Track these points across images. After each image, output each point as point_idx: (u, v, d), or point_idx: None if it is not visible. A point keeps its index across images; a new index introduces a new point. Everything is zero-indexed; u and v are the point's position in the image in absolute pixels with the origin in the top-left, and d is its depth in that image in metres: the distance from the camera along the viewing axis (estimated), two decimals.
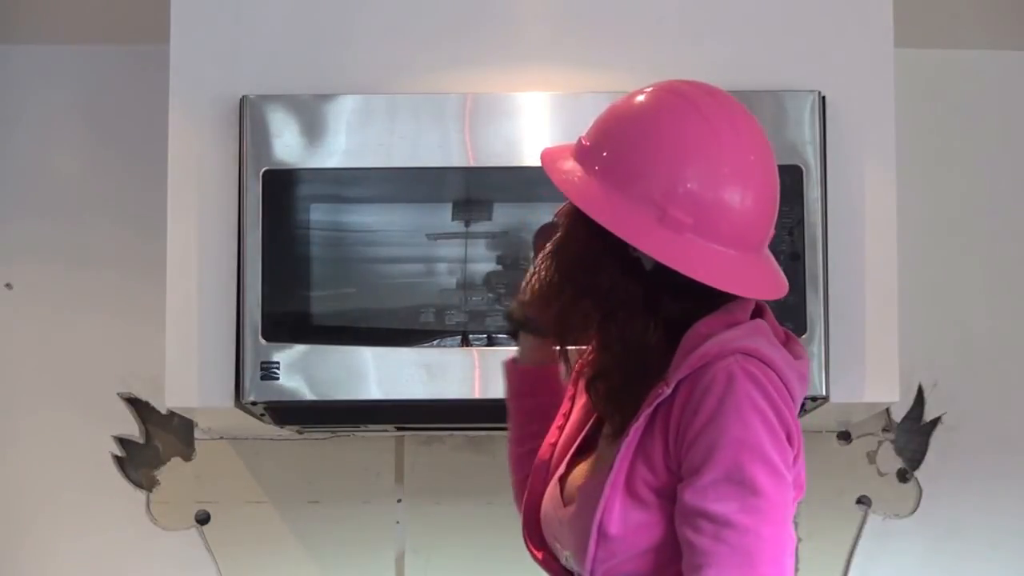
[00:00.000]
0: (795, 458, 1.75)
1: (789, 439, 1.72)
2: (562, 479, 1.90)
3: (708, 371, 1.70)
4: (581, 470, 1.87)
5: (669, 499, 1.72)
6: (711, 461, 1.68)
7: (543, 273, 1.83)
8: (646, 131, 1.75)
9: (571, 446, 1.94)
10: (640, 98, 1.80)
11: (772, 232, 1.80)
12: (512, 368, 2.05)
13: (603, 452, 1.84)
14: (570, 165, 1.79)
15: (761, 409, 1.69)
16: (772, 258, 1.82)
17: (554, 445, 1.95)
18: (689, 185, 1.72)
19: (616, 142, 1.76)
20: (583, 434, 1.93)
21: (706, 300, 1.75)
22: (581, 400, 1.95)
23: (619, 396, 1.79)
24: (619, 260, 1.75)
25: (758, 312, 1.79)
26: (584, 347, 1.91)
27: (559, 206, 1.85)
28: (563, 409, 1.98)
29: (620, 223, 1.72)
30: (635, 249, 1.73)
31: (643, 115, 1.77)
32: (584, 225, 1.76)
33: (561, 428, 1.96)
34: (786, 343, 1.83)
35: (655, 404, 1.73)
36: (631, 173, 1.73)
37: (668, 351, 1.75)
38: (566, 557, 1.86)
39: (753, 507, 1.67)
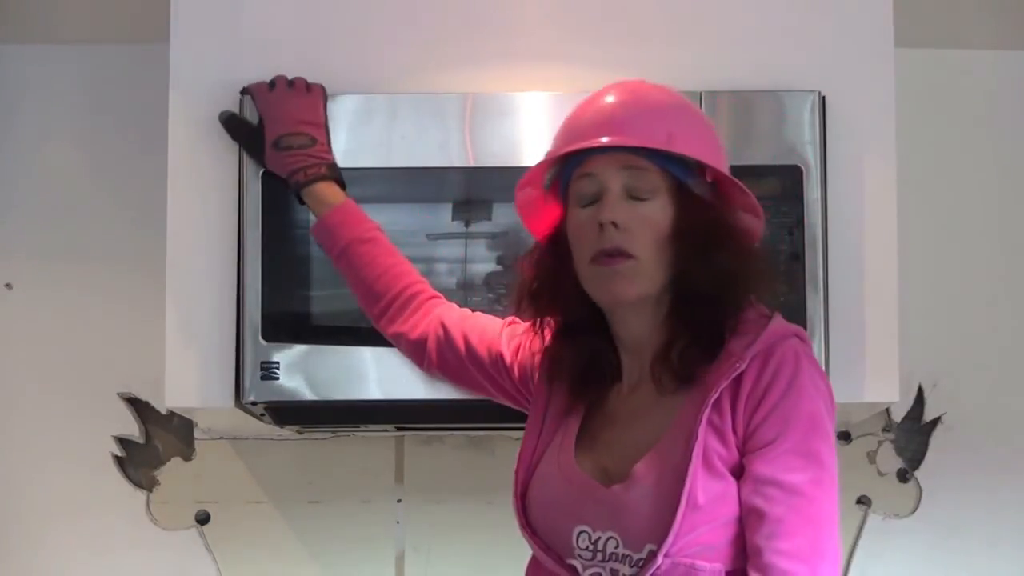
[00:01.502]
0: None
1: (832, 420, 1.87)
2: (582, 461, 1.91)
3: (776, 349, 1.83)
4: (615, 457, 1.89)
5: (734, 472, 1.82)
6: (784, 434, 1.79)
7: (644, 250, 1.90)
8: (695, 115, 1.97)
9: (554, 435, 1.96)
10: (657, 91, 1.97)
11: None
12: (317, 230, 2.25)
13: (650, 427, 1.88)
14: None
15: (821, 389, 1.84)
16: None
17: (537, 435, 1.99)
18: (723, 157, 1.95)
19: (694, 122, 1.94)
20: (578, 422, 1.94)
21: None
22: (558, 396, 1.99)
23: (690, 365, 1.87)
24: (737, 236, 1.92)
25: None
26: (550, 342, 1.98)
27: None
28: (539, 403, 2.01)
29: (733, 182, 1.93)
30: (743, 221, 1.93)
31: (681, 102, 1.97)
32: (708, 203, 1.91)
33: (542, 418, 1.99)
34: None
35: (731, 377, 1.82)
36: (714, 152, 1.93)
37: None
38: (598, 540, 1.86)
39: (819, 479, 1.80)
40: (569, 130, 1.95)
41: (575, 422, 1.95)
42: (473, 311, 2.23)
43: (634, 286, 1.88)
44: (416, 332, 2.21)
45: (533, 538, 1.94)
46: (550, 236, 2.00)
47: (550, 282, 1.97)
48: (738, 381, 1.82)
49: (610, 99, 1.94)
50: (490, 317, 2.19)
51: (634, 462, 1.85)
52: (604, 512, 1.86)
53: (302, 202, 2.28)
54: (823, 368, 1.89)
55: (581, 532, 1.88)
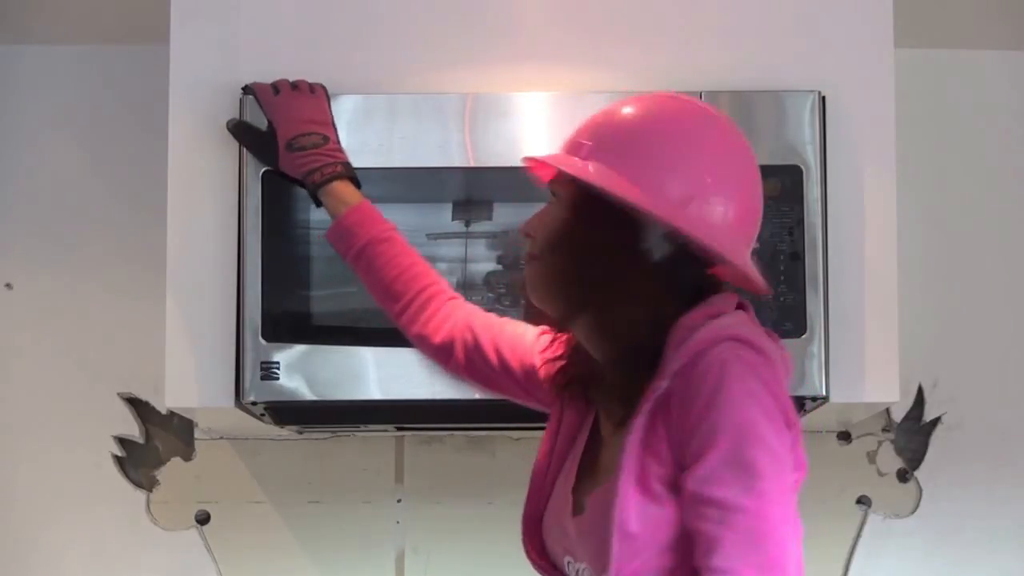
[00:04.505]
0: (794, 441, 1.76)
1: (787, 422, 1.73)
2: (575, 491, 1.90)
3: (702, 360, 1.72)
4: (590, 481, 1.88)
5: (679, 492, 1.73)
6: (711, 448, 1.68)
7: (539, 262, 1.84)
8: (661, 128, 1.79)
9: (565, 455, 1.94)
10: (641, 101, 1.83)
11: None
12: (332, 233, 2.19)
13: (608, 457, 1.84)
14: (576, 161, 1.80)
15: (756, 394, 1.70)
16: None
17: (550, 452, 1.95)
18: (707, 180, 1.77)
19: (629, 140, 1.79)
20: (581, 446, 1.93)
21: (701, 296, 1.78)
22: (570, 411, 1.95)
23: (622, 391, 1.80)
24: (628, 252, 1.78)
25: (739, 308, 1.83)
26: (558, 354, 1.94)
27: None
28: (554, 414, 1.98)
29: (654, 204, 1.74)
30: (645, 243, 1.76)
31: (655, 115, 1.81)
32: (596, 222, 1.78)
33: (555, 434, 1.96)
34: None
35: (653, 399, 1.74)
36: (652, 168, 1.77)
37: (659, 347, 1.78)
38: (579, 570, 1.85)
39: (755, 490, 1.67)
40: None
41: (582, 441, 1.94)
42: (499, 316, 2.20)
43: (535, 290, 1.85)
44: (440, 336, 2.17)
45: (539, 561, 1.94)
46: None
47: None
48: (668, 399, 1.74)
49: (599, 110, 1.88)
50: (518, 323, 2.12)
51: (594, 491, 1.83)
52: (575, 543, 1.85)
53: (318, 203, 2.27)
54: (774, 369, 1.74)
55: (568, 561, 1.88)
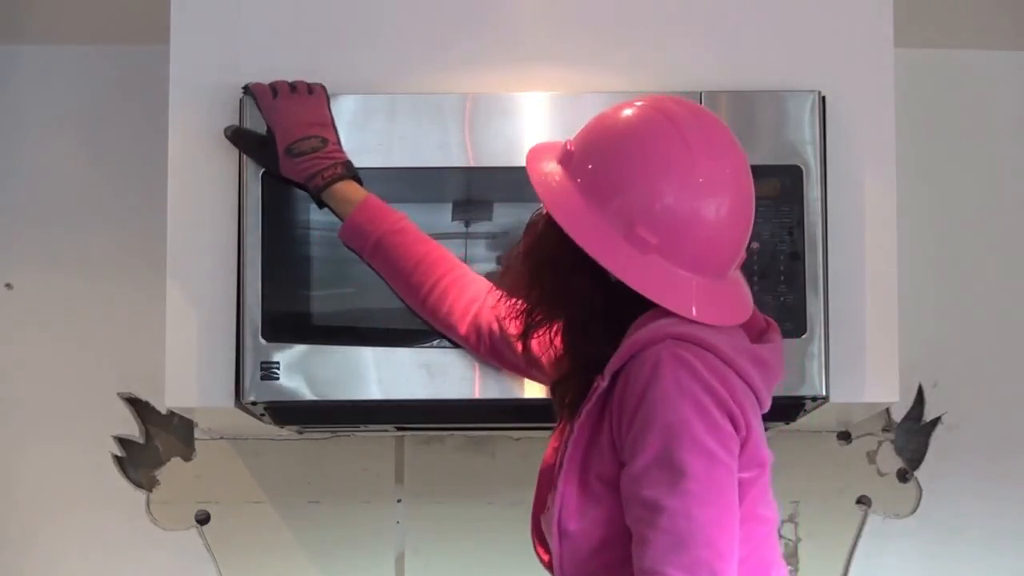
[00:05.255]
0: (746, 437, 1.74)
1: (732, 420, 1.72)
2: None
3: (639, 358, 1.73)
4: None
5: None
6: (642, 447, 1.69)
7: (514, 268, 1.87)
8: (628, 149, 1.78)
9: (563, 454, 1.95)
10: (628, 112, 1.82)
11: (743, 256, 1.82)
12: (344, 233, 2.22)
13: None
14: (552, 168, 1.81)
15: (690, 391, 1.70)
16: (740, 280, 1.84)
17: (557, 449, 1.96)
18: (658, 206, 1.75)
19: (599, 155, 1.79)
20: (584, 446, 1.93)
21: (665, 315, 1.77)
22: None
23: (572, 400, 1.82)
24: (589, 270, 1.78)
25: None
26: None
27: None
28: (559, 429, 1.99)
29: (587, 236, 1.74)
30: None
31: (628, 132, 1.79)
32: (559, 231, 1.78)
33: (563, 431, 1.97)
34: (765, 331, 1.86)
35: (594, 398, 1.74)
36: (609, 188, 1.76)
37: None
38: None
39: (683, 490, 1.67)
40: None
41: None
42: None
43: (511, 293, 1.90)
44: (465, 325, 2.18)
45: (550, 560, 1.94)
46: None
47: None
48: (608, 398, 1.75)
49: (596, 116, 1.89)
50: None
51: None
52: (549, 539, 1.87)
53: (322, 206, 2.27)
54: (721, 364, 1.74)
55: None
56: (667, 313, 1.76)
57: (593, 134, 1.82)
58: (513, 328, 1.99)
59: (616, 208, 1.75)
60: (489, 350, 2.18)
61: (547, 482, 1.95)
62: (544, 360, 2.06)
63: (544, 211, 1.84)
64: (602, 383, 1.74)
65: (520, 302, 1.88)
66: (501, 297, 1.96)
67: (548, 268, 1.81)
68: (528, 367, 2.12)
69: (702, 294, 1.77)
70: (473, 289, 2.19)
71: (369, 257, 2.22)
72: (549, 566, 1.92)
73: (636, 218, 1.74)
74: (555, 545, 1.75)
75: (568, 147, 1.83)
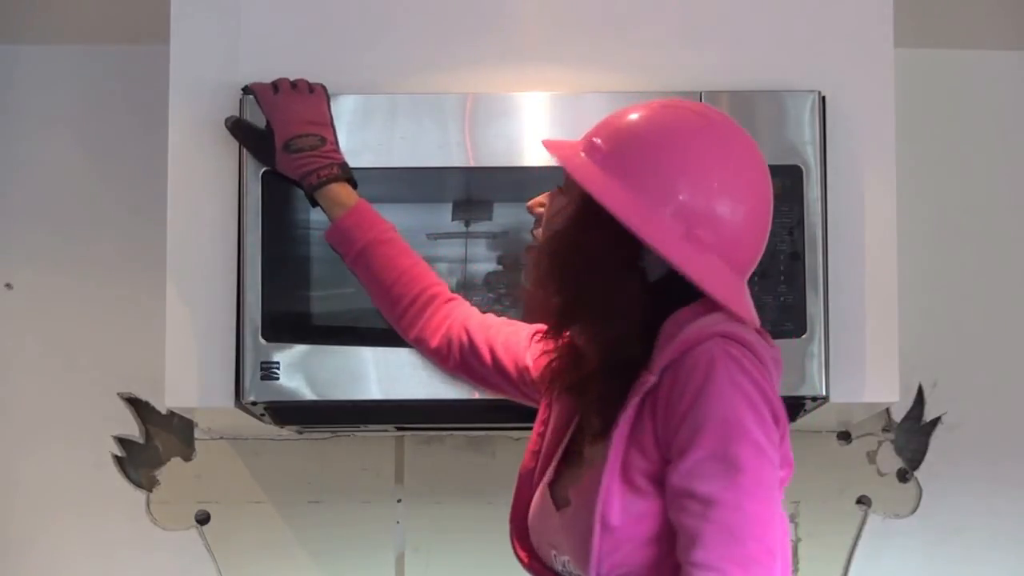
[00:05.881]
0: (781, 437, 1.77)
1: (775, 418, 1.75)
2: (551, 486, 1.91)
3: (690, 355, 1.73)
4: (572, 474, 1.88)
5: (664, 486, 1.74)
6: (696, 442, 1.70)
7: (538, 264, 1.85)
8: (677, 149, 1.78)
9: (554, 453, 1.94)
10: (666, 113, 1.82)
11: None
12: (332, 235, 2.22)
13: (592, 451, 1.84)
14: (589, 168, 1.79)
15: (743, 388, 1.72)
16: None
17: (537, 453, 1.96)
18: (718, 209, 1.76)
19: (647, 157, 1.78)
20: (566, 440, 1.93)
21: (703, 313, 1.78)
22: (559, 406, 1.96)
23: (604, 398, 1.81)
24: (626, 268, 1.78)
25: None
26: (549, 348, 1.94)
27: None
28: (541, 416, 1.99)
29: (657, 238, 1.74)
30: (643, 260, 1.76)
31: (672, 132, 1.80)
32: (598, 229, 1.78)
33: (541, 435, 1.97)
34: (763, 334, 1.87)
35: (641, 392, 1.74)
36: (663, 189, 1.76)
37: (648, 348, 1.79)
38: (564, 563, 1.86)
39: (737, 484, 1.68)
40: None
41: (566, 439, 1.95)
42: (497, 316, 2.21)
43: (531, 276, 1.89)
44: (437, 338, 2.19)
45: (530, 563, 1.94)
46: None
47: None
48: (655, 393, 1.75)
49: (617, 111, 1.87)
50: (514, 324, 2.16)
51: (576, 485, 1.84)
52: (558, 536, 1.86)
53: (315, 204, 2.27)
54: (762, 365, 1.76)
55: (555, 555, 1.89)
56: (703, 312, 1.77)
57: (633, 134, 1.80)
58: (541, 334, 1.97)
59: (674, 208, 1.75)
60: (459, 364, 2.19)
61: (527, 486, 1.96)
62: (512, 369, 2.09)
63: (572, 213, 1.83)
64: (651, 378, 1.74)
65: (551, 303, 1.86)
66: (529, 299, 1.93)
67: (585, 266, 1.80)
68: (496, 378, 2.14)
69: (743, 293, 1.80)
70: (450, 306, 2.20)
71: (352, 263, 2.22)
72: (528, 566, 1.93)
73: (695, 218, 1.75)
74: (595, 541, 1.74)
75: (599, 145, 1.81)
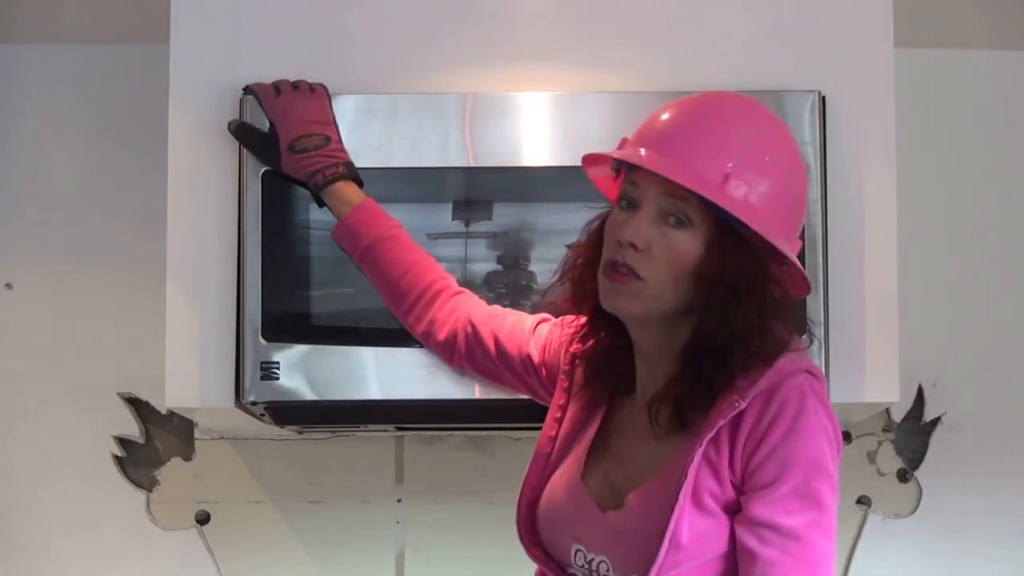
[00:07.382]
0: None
1: (840, 451, 1.85)
2: (583, 478, 1.90)
3: (781, 388, 1.78)
4: (613, 470, 1.87)
5: (728, 510, 1.78)
6: (784, 476, 1.76)
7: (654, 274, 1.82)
8: (801, 181, 1.88)
9: (571, 441, 1.94)
10: (770, 126, 1.87)
11: None
12: (338, 233, 2.22)
13: (649, 453, 1.85)
14: (734, 196, 1.79)
15: (826, 428, 1.80)
16: None
17: (553, 438, 1.96)
18: (802, 218, 1.89)
19: (792, 192, 1.85)
20: (591, 430, 1.93)
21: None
22: (581, 394, 1.95)
23: (689, 406, 1.82)
24: (769, 282, 1.83)
25: None
26: (576, 335, 1.94)
27: (585, 206, 1.93)
28: (558, 400, 1.98)
29: (794, 258, 1.85)
30: (776, 273, 1.83)
31: (798, 163, 1.88)
32: (733, 250, 1.80)
33: (558, 420, 1.96)
34: None
35: (730, 417, 1.77)
36: (799, 219, 1.86)
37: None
38: (593, 561, 1.86)
39: (817, 522, 1.76)
40: (639, 128, 1.87)
41: (592, 429, 1.94)
42: (503, 307, 2.21)
43: (636, 305, 1.81)
44: (444, 331, 2.19)
45: (532, 548, 1.94)
46: (599, 223, 1.91)
47: (580, 271, 1.91)
48: (738, 419, 1.77)
49: (684, 111, 1.84)
50: (519, 314, 2.17)
51: (632, 488, 1.84)
52: (599, 537, 1.86)
53: (321, 204, 2.27)
54: (828, 395, 1.84)
55: (578, 550, 1.88)
56: (781, 340, 1.83)
57: (749, 142, 1.82)
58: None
59: (793, 222, 1.86)
60: (464, 356, 2.19)
61: (541, 471, 1.95)
62: (515, 357, 2.11)
63: (701, 235, 1.80)
64: (741, 403, 1.77)
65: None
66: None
67: (738, 286, 1.80)
68: (500, 367, 2.15)
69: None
70: (457, 299, 2.20)
71: (359, 260, 2.23)
72: (537, 557, 1.93)
73: (795, 231, 1.87)
74: (661, 555, 1.76)
75: (719, 163, 1.78)
